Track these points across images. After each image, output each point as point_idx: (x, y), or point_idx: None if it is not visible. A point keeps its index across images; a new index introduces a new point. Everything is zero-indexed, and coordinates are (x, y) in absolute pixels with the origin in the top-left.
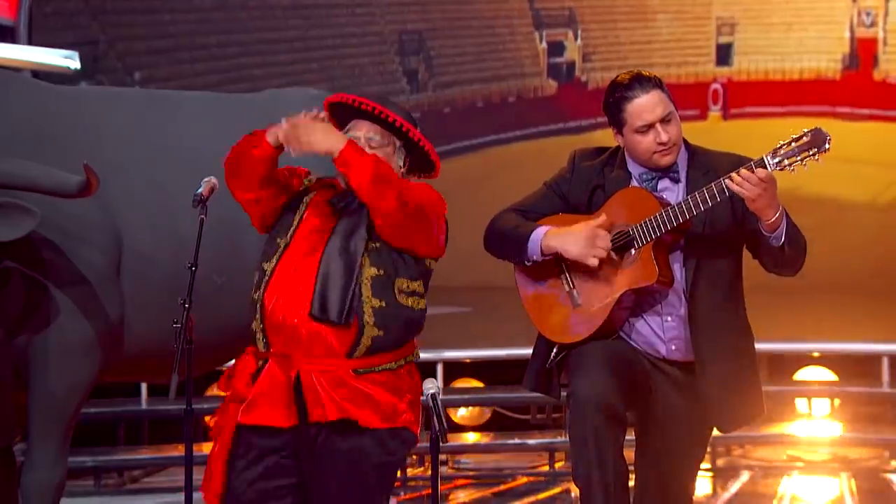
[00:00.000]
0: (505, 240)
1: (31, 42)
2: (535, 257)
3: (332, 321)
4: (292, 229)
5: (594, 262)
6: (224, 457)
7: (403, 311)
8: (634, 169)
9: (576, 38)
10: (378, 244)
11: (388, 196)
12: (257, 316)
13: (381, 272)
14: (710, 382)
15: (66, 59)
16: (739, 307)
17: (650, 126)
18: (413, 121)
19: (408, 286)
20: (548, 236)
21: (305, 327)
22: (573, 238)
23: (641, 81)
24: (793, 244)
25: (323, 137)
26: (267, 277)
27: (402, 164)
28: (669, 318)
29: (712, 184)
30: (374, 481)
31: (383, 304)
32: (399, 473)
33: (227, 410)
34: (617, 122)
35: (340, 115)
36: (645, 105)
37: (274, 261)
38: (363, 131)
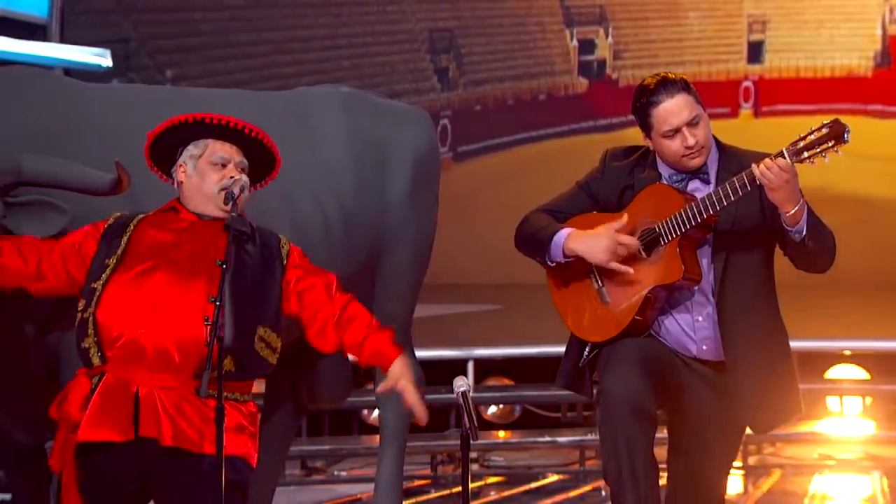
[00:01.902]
0: (531, 241)
1: (63, 40)
2: (557, 259)
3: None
4: (121, 250)
5: (618, 267)
6: (75, 482)
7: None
8: (664, 170)
9: (606, 36)
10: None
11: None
12: (90, 333)
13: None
14: (743, 382)
15: (97, 57)
16: (771, 305)
17: (677, 130)
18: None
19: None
20: (570, 239)
21: (150, 342)
22: (595, 242)
23: (667, 85)
24: (816, 239)
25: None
26: (98, 294)
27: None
28: (700, 318)
29: (734, 178)
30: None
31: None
32: (430, 471)
33: (64, 439)
34: (645, 126)
35: (185, 134)
36: (671, 110)
37: (104, 279)
38: (232, 155)
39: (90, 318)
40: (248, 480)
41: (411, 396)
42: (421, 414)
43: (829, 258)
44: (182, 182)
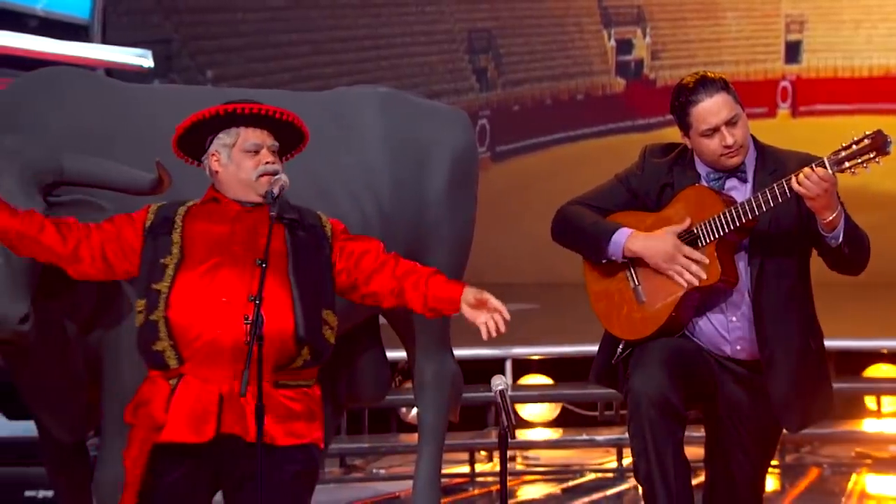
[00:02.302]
0: (581, 234)
1: (105, 41)
2: (615, 258)
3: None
4: (177, 248)
5: (679, 280)
6: (142, 484)
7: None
8: (702, 168)
9: (644, 36)
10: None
11: None
12: (163, 336)
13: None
14: (777, 383)
15: (139, 58)
16: (806, 305)
17: (715, 129)
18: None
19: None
20: (632, 240)
21: (229, 340)
22: (656, 244)
23: (706, 85)
24: (852, 246)
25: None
26: (165, 296)
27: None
28: (734, 319)
29: (774, 185)
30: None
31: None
32: (469, 469)
33: (141, 439)
34: (683, 125)
35: (216, 124)
36: (710, 109)
37: (168, 280)
38: (263, 140)
39: (161, 321)
40: (318, 466)
41: (496, 303)
42: (504, 315)
43: (864, 262)
44: (217, 171)
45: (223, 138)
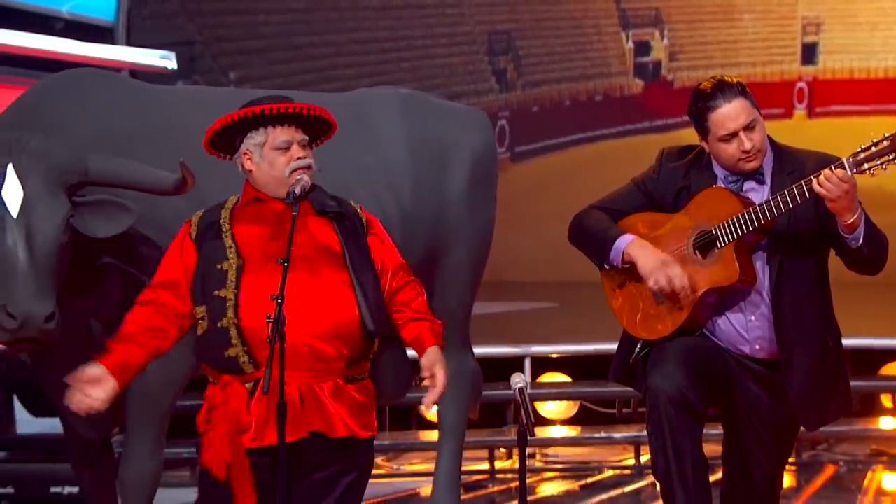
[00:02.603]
0: (591, 239)
1: (129, 43)
2: (615, 263)
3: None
4: (234, 253)
5: (654, 286)
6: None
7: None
8: (720, 171)
9: (662, 38)
10: None
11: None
12: (235, 342)
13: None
14: (796, 381)
15: (162, 60)
16: (825, 304)
17: (734, 134)
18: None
19: None
20: (631, 246)
21: (301, 340)
22: (652, 257)
23: (724, 90)
24: (871, 246)
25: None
26: (233, 302)
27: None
28: (753, 318)
29: (794, 186)
30: (362, 487)
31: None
32: (488, 466)
33: (226, 442)
34: (701, 129)
35: (249, 124)
36: (728, 114)
37: (231, 286)
38: (293, 136)
39: (232, 327)
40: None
41: (438, 384)
42: (428, 402)
43: (882, 262)
44: (251, 170)
45: (254, 137)
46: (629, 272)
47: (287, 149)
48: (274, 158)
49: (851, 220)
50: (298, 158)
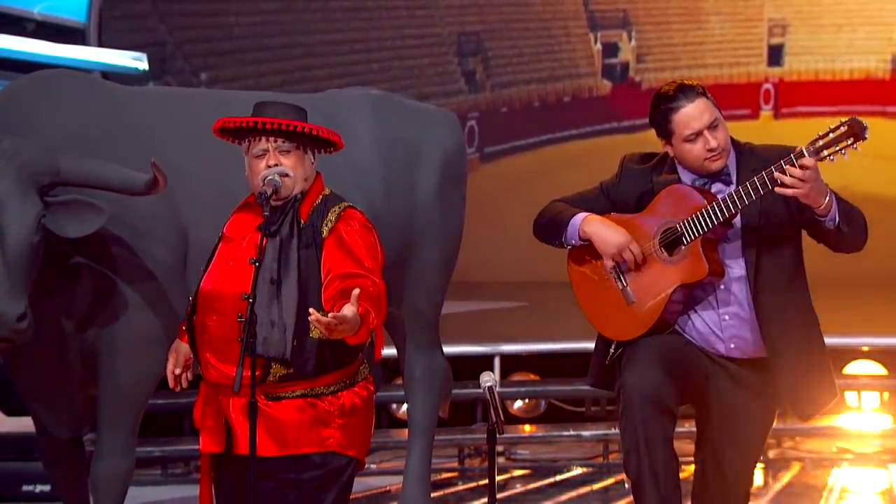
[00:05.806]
0: (549, 223)
1: (100, 44)
2: (573, 241)
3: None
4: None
5: (609, 263)
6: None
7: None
8: (686, 176)
9: (630, 40)
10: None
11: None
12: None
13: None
14: (785, 373)
15: (134, 61)
16: (804, 295)
17: (698, 134)
18: (304, 112)
19: None
20: (586, 222)
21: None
22: (611, 233)
23: (685, 91)
24: (849, 222)
25: (351, 328)
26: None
27: (312, 159)
28: (727, 317)
29: (755, 177)
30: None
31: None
32: (458, 464)
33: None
34: (665, 132)
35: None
36: (691, 114)
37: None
38: (269, 143)
39: (189, 329)
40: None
41: (336, 317)
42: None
43: (864, 236)
44: (247, 175)
45: (244, 144)
46: (596, 275)
47: (263, 156)
48: (254, 165)
49: (825, 204)
50: (269, 166)
